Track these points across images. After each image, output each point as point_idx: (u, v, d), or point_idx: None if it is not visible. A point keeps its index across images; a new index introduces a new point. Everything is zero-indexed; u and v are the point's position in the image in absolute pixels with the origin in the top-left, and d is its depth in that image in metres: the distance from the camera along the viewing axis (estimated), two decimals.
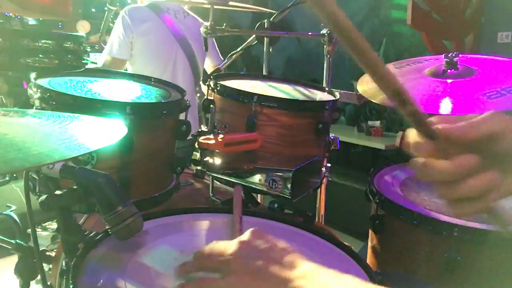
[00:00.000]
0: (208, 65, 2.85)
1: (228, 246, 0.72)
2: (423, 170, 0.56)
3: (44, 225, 2.01)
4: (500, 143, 0.57)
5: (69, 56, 2.08)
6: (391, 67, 1.39)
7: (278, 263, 0.66)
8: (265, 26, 1.78)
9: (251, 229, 0.73)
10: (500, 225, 0.61)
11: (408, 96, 0.52)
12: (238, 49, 1.80)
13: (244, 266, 0.67)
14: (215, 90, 1.22)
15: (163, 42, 2.58)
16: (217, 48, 2.87)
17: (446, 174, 0.55)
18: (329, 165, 1.36)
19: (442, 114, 0.61)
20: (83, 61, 2.23)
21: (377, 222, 1.24)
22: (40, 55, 2.03)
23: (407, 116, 0.54)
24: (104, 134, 0.73)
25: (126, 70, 2.62)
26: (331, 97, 1.34)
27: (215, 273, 0.70)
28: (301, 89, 1.42)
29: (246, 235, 0.73)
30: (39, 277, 0.94)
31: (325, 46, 1.68)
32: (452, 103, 1.14)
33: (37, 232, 0.89)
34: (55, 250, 1.13)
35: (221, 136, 1.08)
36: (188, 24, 2.66)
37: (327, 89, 1.43)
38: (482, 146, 0.56)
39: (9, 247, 1.02)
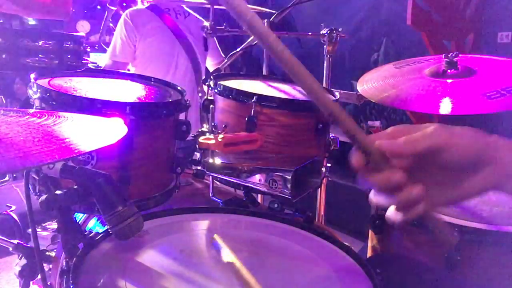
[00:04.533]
0: (210, 64, 2.86)
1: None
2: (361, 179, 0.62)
3: (44, 225, 2.01)
4: (441, 156, 0.59)
5: (69, 56, 2.08)
6: (391, 67, 1.39)
7: None
8: None
9: None
10: (439, 234, 0.66)
11: (342, 117, 0.58)
12: (238, 49, 1.80)
13: None
14: (215, 90, 1.22)
15: (165, 43, 2.59)
16: (218, 46, 2.87)
17: (375, 187, 0.61)
18: (329, 165, 1.36)
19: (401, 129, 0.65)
20: (83, 61, 2.23)
21: (377, 222, 1.24)
22: (40, 55, 2.03)
23: (344, 133, 0.60)
24: (104, 134, 0.73)
25: (129, 71, 2.63)
26: (331, 97, 1.34)
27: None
28: (301, 89, 1.42)
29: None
30: (39, 277, 0.94)
31: (325, 46, 1.68)
32: (452, 103, 1.14)
33: (37, 232, 0.89)
34: (55, 250, 1.13)
35: (221, 136, 1.08)
36: (189, 24, 2.67)
37: (327, 89, 1.43)
38: (424, 159, 0.59)
39: (9, 247, 1.02)
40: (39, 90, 1.03)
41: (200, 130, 1.25)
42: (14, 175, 2.08)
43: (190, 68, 2.65)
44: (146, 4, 2.70)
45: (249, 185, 1.14)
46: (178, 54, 2.61)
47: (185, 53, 2.63)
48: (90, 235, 0.87)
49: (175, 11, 2.67)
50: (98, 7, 4.79)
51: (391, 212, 0.63)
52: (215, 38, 2.77)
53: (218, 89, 1.21)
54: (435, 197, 0.61)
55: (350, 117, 0.58)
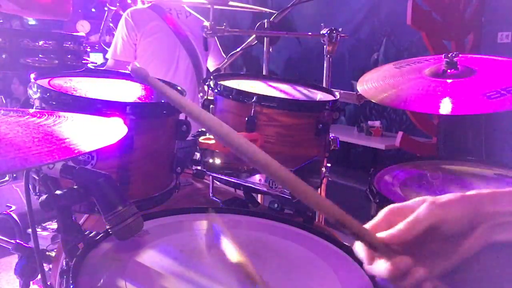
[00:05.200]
0: (211, 64, 2.86)
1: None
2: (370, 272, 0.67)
3: (44, 225, 2.01)
4: (438, 231, 0.64)
5: (69, 56, 2.08)
6: (391, 67, 1.39)
7: None
8: (265, 26, 1.78)
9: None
10: None
11: (346, 221, 0.61)
12: (238, 49, 1.80)
13: None
14: (215, 90, 1.22)
15: (166, 42, 2.59)
16: (219, 47, 2.87)
17: (386, 277, 0.65)
18: (329, 165, 1.36)
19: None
20: (83, 61, 2.23)
21: None
22: (40, 55, 2.03)
23: (351, 236, 0.64)
24: (104, 134, 0.73)
25: None
26: (331, 97, 1.34)
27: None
28: (301, 89, 1.42)
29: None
30: (39, 277, 0.94)
31: (325, 46, 1.68)
32: (452, 103, 1.14)
33: (37, 232, 0.89)
34: (55, 250, 1.13)
35: None
36: (190, 24, 2.67)
37: (327, 89, 1.43)
38: (421, 237, 0.64)
39: (9, 247, 1.02)
40: (39, 90, 1.03)
41: (200, 130, 1.25)
42: (14, 175, 2.08)
43: (191, 68, 2.65)
44: (147, 4, 2.71)
45: (249, 185, 1.14)
46: (179, 54, 2.61)
47: (186, 53, 2.63)
48: (90, 235, 0.87)
49: (176, 11, 2.67)
50: (93, 9, 4.79)
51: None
52: (216, 38, 2.77)
53: (218, 89, 1.21)
54: (434, 269, 0.66)
55: (354, 220, 0.63)
